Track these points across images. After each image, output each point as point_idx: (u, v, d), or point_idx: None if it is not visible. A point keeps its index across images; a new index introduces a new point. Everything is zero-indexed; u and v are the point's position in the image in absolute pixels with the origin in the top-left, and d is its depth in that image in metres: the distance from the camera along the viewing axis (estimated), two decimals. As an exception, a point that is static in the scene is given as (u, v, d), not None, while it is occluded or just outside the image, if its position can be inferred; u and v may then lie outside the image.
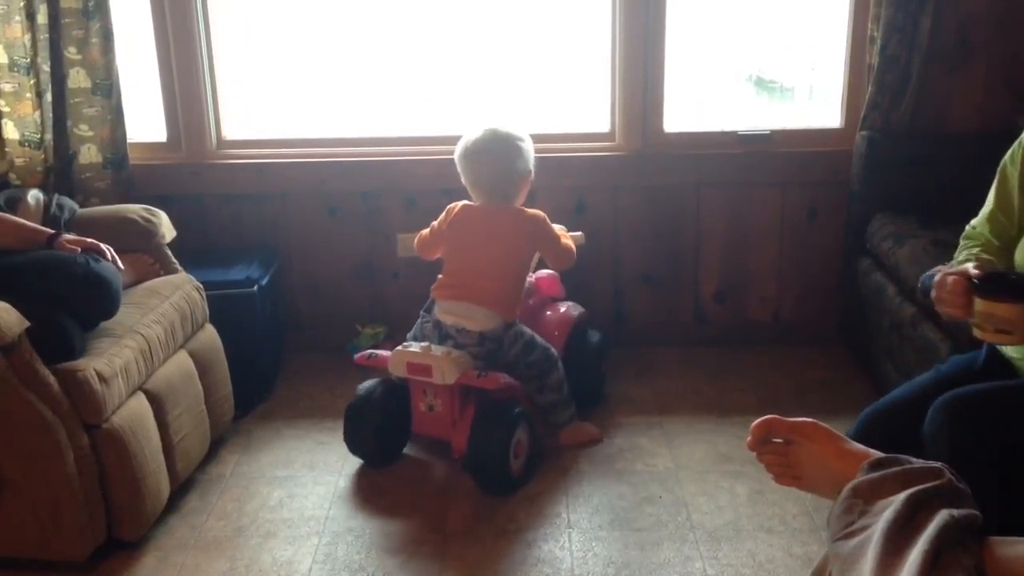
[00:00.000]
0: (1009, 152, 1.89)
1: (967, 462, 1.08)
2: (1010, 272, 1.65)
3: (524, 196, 2.74)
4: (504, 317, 2.62)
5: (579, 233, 2.94)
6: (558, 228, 2.77)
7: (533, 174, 2.74)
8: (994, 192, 1.91)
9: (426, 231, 2.79)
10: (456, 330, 2.60)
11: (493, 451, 2.47)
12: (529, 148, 2.71)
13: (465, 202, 2.73)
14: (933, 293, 1.69)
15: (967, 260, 1.81)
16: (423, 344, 2.58)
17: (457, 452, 2.59)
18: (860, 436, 1.77)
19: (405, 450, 2.75)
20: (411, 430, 2.68)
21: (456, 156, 2.70)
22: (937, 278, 1.68)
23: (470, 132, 2.71)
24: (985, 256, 1.82)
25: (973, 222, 1.98)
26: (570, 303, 2.97)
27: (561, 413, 2.72)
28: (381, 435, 2.64)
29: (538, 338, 2.68)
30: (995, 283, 1.57)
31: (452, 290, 2.64)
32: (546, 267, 2.92)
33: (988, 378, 1.73)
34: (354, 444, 2.67)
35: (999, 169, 1.90)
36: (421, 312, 2.74)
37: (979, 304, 1.57)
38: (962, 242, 1.97)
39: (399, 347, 2.59)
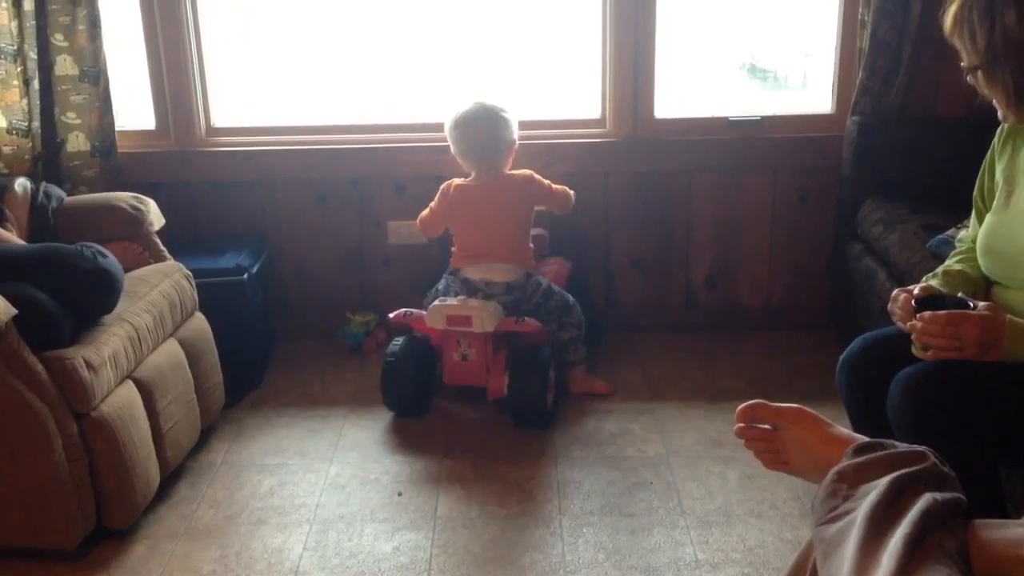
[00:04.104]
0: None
1: (928, 438, 1.09)
2: (948, 297, 1.77)
3: (510, 163, 2.91)
4: (524, 267, 2.86)
5: (572, 192, 3.03)
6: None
7: (517, 143, 2.91)
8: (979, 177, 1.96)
9: (426, 212, 2.96)
10: (484, 283, 2.82)
11: (534, 389, 2.71)
12: (513, 119, 2.89)
13: (457, 181, 2.91)
14: (889, 306, 1.86)
15: (947, 270, 1.93)
16: (459, 297, 2.79)
17: (493, 395, 2.81)
18: (856, 356, 1.92)
19: (405, 431, 2.77)
20: (440, 382, 2.90)
21: (447, 127, 2.89)
22: (893, 293, 1.85)
23: (460, 105, 2.89)
24: (956, 268, 1.92)
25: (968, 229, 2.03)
26: (559, 258, 3.14)
27: (576, 352, 2.93)
28: (416, 388, 2.84)
29: (555, 286, 2.91)
30: (930, 305, 1.72)
31: (472, 258, 2.87)
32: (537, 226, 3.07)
33: None
34: (392, 399, 2.84)
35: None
36: (445, 275, 2.92)
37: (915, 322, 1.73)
38: (956, 245, 2.05)
39: (436, 302, 2.79)
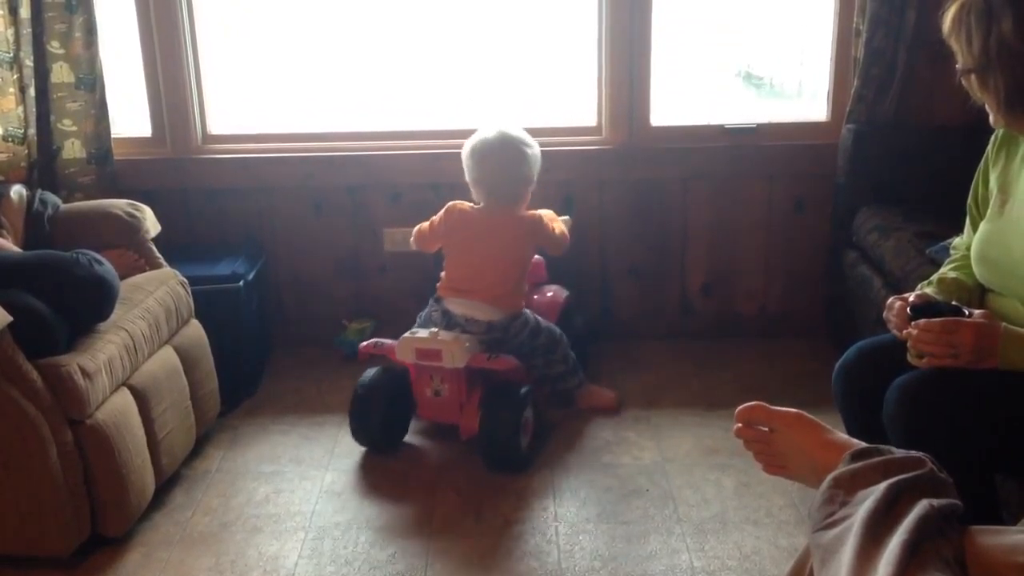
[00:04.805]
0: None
1: (923, 446, 1.09)
2: (943, 305, 1.77)
3: (527, 202, 2.77)
4: (510, 311, 2.70)
5: (567, 217, 2.97)
6: (547, 213, 2.82)
7: (535, 183, 2.77)
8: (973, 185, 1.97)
9: (425, 224, 2.82)
10: (465, 319, 2.67)
11: (505, 430, 2.53)
12: (536, 155, 2.75)
13: (463, 205, 2.76)
14: (884, 313, 1.87)
15: (941, 278, 1.94)
16: (431, 330, 2.63)
17: (465, 434, 2.64)
18: (851, 364, 1.92)
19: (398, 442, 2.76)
20: (414, 416, 2.75)
21: (464, 153, 2.74)
22: (889, 301, 1.87)
23: (482, 130, 2.75)
24: (951, 275, 1.93)
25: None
26: (556, 287, 3.05)
27: (570, 380, 2.84)
28: (387, 422, 2.68)
29: (542, 321, 2.76)
30: (925, 313, 1.72)
31: (458, 291, 2.72)
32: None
33: None
34: (360, 433, 2.69)
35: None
36: (430, 301, 2.78)
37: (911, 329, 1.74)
38: (951, 252, 2.06)
39: (406, 334, 2.63)
